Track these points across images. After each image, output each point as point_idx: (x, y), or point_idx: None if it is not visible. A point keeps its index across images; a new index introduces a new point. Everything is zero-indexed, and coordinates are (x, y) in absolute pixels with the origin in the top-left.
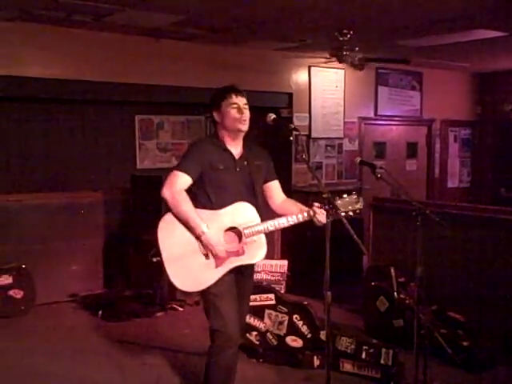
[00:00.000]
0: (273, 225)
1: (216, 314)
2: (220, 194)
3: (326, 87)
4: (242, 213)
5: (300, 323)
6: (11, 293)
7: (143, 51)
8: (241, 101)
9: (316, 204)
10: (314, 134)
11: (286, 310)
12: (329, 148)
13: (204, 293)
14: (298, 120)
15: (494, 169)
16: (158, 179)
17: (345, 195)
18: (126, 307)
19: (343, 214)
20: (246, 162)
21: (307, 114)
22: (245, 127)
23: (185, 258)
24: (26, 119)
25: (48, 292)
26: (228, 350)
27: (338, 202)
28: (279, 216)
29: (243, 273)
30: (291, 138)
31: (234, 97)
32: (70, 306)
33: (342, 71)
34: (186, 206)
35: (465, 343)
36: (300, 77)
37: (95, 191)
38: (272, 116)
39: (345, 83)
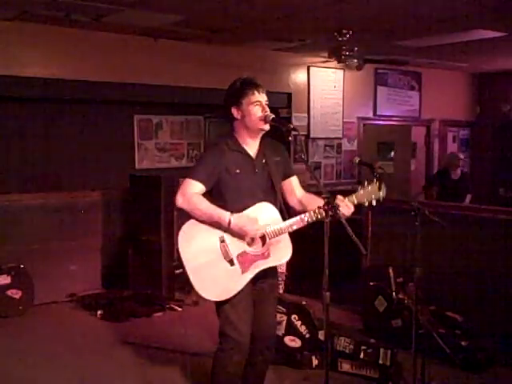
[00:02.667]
0: (296, 222)
1: (226, 319)
2: (237, 198)
3: (324, 87)
4: (263, 214)
5: (298, 323)
6: (9, 293)
7: (142, 51)
8: (263, 98)
9: (339, 197)
10: (312, 134)
11: (284, 309)
12: (328, 148)
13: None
14: (297, 120)
15: (492, 169)
16: (156, 179)
17: (366, 183)
18: (124, 307)
19: (366, 203)
20: (264, 160)
21: (306, 114)
22: (267, 126)
23: (209, 267)
24: (25, 119)
25: (46, 292)
26: (235, 356)
27: (360, 193)
28: (299, 212)
29: (264, 274)
30: (290, 138)
31: (256, 94)
32: (69, 305)
33: (341, 71)
34: (203, 204)
35: (463, 343)
36: (299, 77)
37: (94, 191)
38: (271, 116)
39: (344, 83)
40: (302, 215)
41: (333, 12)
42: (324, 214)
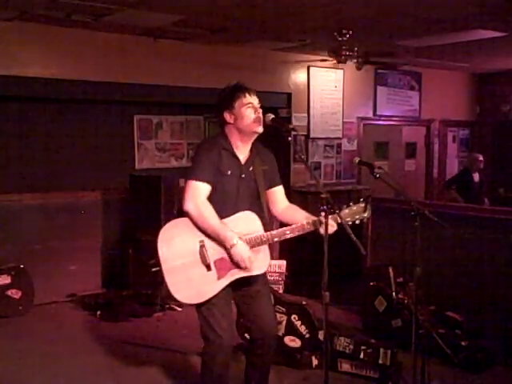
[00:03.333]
0: (277, 235)
1: (205, 322)
2: (223, 200)
3: (324, 87)
4: (245, 223)
5: (298, 323)
6: (9, 293)
7: (142, 51)
8: (255, 100)
9: (323, 213)
10: (312, 134)
11: (284, 309)
12: (327, 148)
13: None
14: (297, 120)
15: (492, 169)
16: (156, 179)
17: (351, 203)
18: (124, 307)
19: (350, 222)
20: (251, 168)
21: (306, 114)
22: (261, 128)
23: (185, 270)
24: (25, 119)
25: (46, 292)
26: (217, 357)
27: (345, 211)
28: (281, 222)
29: (246, 279)
30: (290, 138)
31: (248, 96)
32: (69, 306)
33: (341, 71)
34: (213, 219)
35: (463, 343)
36: (299, 77)
37: (94, 191)
38: (270, 116)
39: (344, 83)
40: (286, 229)
41: (333, 12)
42: (306, 229)
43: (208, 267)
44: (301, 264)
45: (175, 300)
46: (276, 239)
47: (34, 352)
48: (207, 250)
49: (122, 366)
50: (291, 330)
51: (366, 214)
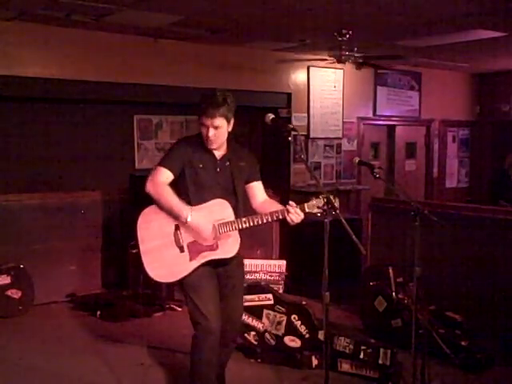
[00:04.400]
0: (246, 221)
1: (194, 306)
2: (198, 191)
3: (324, 87)
4: (217, 209)
5: (298, 323)
6: (9, 293)
7: (142, 51)
8: (211, 122)
9: (291, 203)
10: (312, 134)
11: (284, 309)
12: (327, 148)
13: (182, 286)
14: (297, 120)
15: (492, 169)
16: None
17: (320, 196)
18: (124, 307)
19: (318, 214)
20: (228, 163)
21: (306, 114)
22: (213, 146)
23: (160, 250)
24: (25, 119)
25: (46, 292)
26: (207, 342)
27: (313, 202)
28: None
29: (227, 264)
30: (290, 138)
31: (204, 118)
32: (68, 306)
33: (341, 71)
34: (168, 195)
35: (463, 343)
36: (299, 77)
37: (94, 191)
38: (270, 116)
39: (343, 83)
40: (254, 216)
41: (333, 12)
42: (275, 218)
43: (181, 249)
44: (301, 264)
45: (151, 279)
46: (245, 225)
47: (34, 352)
48: (181, 233)
49: (122, 366)
50: (291, 330)
51: (325, 207)
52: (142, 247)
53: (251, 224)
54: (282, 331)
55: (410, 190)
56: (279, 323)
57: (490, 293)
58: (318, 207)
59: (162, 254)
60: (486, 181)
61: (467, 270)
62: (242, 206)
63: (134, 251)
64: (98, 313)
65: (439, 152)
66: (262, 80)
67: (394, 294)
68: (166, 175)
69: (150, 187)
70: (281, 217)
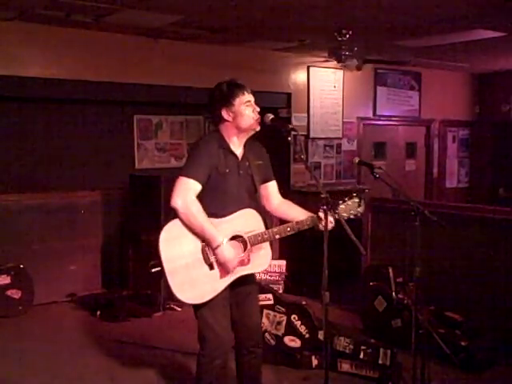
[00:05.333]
0: (278, 232)
1: (205, 323)
2: (224, 199)
3: (324, 87)
4: (246, 220)
5: (298, 323)
6: (9, 293)
7: (142, 51)
8: (252, 98)
9: (323, 208)
10: (312, 134)
11: (284, 310)
12: (327, 148)
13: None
14: (297, 120)
15: (492, 169)
16: (156, 179)
17: (346, 199)
18: (124, 307)
19: (345, 218)
20: (247, 163)
21: (306, 114)
22: (259, 126)
23: (188, 270)
24: (25, 119)
25: (46, 292)
26: (216, 360)
27: (341, 207)
28: (276, 217)
29: (243, 279)
30: (289, 139)
31: (246, 94)
32: (69, 306)
33: (341, 71)
34: (200, 217)
35: (463, 343)
36: (299, 77)
37: (94, 191)
38: (270, 116)
39: (343, 83)
40: (287, 226)
41: (333, 12)
42: (306, 226)
43: (211, 266)
44: (301, 264)
45: (177, 300)
46: (277, 236)
47: (33, 352)
48: (209, 250)
49: (121, 366)
50: (291, 330)
51: (360, 209)
52: (167, 267)
53: (283, 235)
54: (281, 331)
55: (410, 190)
56: (279, 323)
57: (490, 293)
58: (352, 210)
59: (191, 274)
60: (486, 181)
61: (467, 269)
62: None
63: (154, 270)
64: (98, 313)
65: (439, 152)
66: (261, 80)
67: (393, 293)
68: (194, 188)
69: (178, 203)
70: (312, 225)
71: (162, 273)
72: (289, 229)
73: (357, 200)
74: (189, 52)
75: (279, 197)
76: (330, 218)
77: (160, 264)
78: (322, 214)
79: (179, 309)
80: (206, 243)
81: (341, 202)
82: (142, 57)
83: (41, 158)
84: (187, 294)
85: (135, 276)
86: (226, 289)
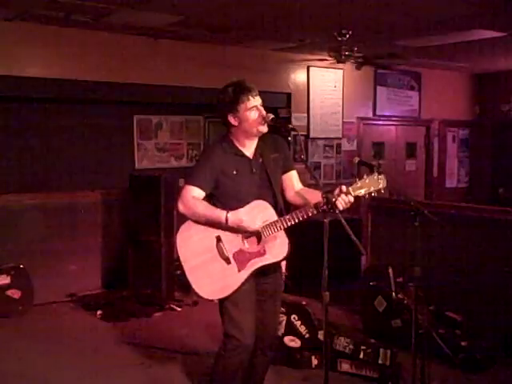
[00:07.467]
0: (291, 219)
1: (230, 320)
2: (237, 199)
3: (324, 87)
4: (258, 211)
5: (298, 323)
6: (9, 293)
7: (142, 51)
8: (258, 101)
9: (343, 187)
10: (312, 134)
11: (284, 310)
12: (327, 148)
13: (221, 298)
14: (297, 120)
15: (492, 169)
16: (156, 179)
17: (365, 175)
18: (124, 307)
19: (366, 194)
20: (261, 160)
21: (305, 114)
22: (266, 128)
23: (206, 266)
24: (25, 119)
25: (46, 292)
26: (238, 356)
27: (358, 184)
28: (297, 206)
29: (266, 272)
30: (289, 139)
31: (251, 99)
32: (69, 306)
33: (341, 71)
34: (200, 206)
35: (463, 343)
36: (298, 77)
37: (94, 191)
38: (270, 116)
39: (343, 83)
40: (298, 211)
41: (333, 12)
42: (316, 211)
43: (227, 260)
44: (301, 264)
45: (199, 297)
46: (290, 223)
47: (33, 352)
48: (224, 244)
49: (122, 366)
50: (291, 329)
51: (381, 186)
52: (185, 266)
53: (296, 220)
54: (281, 331)
55: (409, 190)
56: (279, 323)
57: (490, 293)
58: (373, 186)
59: (208, 270)
60: (486, 181)
61: (467, 270)
62: (282, 203)
63: (179, 272)
64: (98, 313)
65: (439, 152)
66: (261, 80)
67: (393, 294)
68: (196, 194)
69: (181, 207)
70: (325, 206)
71: (183, 273)
72: (301, 214)
73: (376, 175)
74: (189, 52)
75: (299, 185)
76: (350, 197)
77: (180, 265)
78: (336, 193)
79: (179, 309)
80: (218, 226)
81: (357, 178)
82: (142, 57)
83: (41, 158)
84: (208, 289)
85: (135, 276)
86: (250, 283)
